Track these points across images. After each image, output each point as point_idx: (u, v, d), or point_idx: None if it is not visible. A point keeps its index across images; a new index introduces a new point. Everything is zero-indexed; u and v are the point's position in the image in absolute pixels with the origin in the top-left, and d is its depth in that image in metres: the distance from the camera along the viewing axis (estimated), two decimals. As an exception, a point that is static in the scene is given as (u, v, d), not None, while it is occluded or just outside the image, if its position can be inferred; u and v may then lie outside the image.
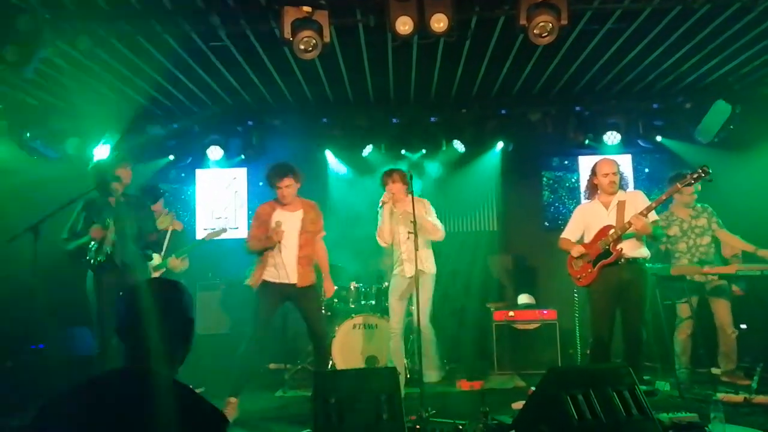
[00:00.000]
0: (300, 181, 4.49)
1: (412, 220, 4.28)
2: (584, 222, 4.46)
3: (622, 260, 4.16)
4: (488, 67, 5.54)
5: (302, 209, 4.54)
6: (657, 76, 5.88)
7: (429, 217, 4.75)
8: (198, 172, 7.16)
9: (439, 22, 3.84)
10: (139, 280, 4.32)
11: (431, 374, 4.82)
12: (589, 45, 5.09)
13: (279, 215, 4.45)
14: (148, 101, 6.08)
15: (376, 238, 4.87)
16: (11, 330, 5.09)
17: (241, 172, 7.20)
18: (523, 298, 6.02)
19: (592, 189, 4.45)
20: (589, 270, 4.27)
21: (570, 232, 4.55)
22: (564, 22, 3.78)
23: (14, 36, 3.75)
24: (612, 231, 4.17)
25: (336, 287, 5.81)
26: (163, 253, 5.27)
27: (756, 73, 5.78)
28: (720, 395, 4.26)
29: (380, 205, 4.77)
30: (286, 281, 4.36)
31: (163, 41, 4.63)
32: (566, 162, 7.09)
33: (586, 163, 7.15)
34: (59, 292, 5.60)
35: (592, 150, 6.92)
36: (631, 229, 4.06)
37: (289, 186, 4.42)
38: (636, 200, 4.26)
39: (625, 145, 6.64)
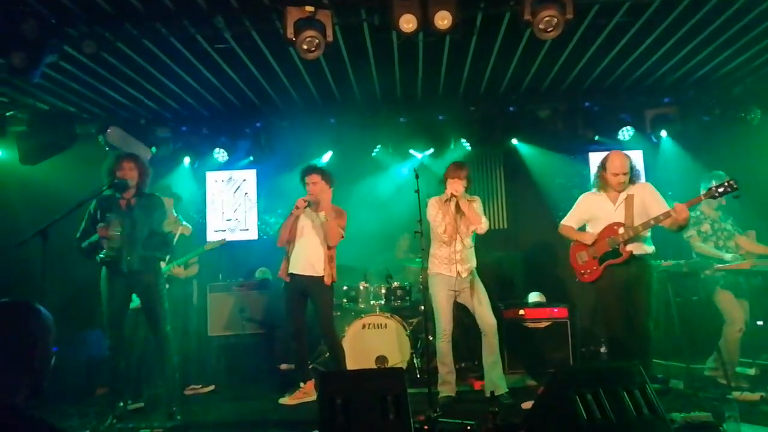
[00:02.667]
0: (330, 184, 4.92)
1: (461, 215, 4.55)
2: (589, 212, 4.40)
3: (630, 258, 4.15)
4: (495, 64, 5.49)
5: (325, 210, 4.82)
6: (667, 70, 5.79)
7: (483, 216, 4.65)
8: (208, 174, 7.20)
9: (443, 20, 3.81)
10: (149, 283, 4.35)
11: (500, 370, 4.57)
12: (598, 40, 5.02)
13: (308, 213, 4.92)
14: (156, 104, 6.12)
15: (436, 233, 4.62)
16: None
17: (251, 174, 7.23)
18: (534, 296, 5.96)
19: (601, 183, 4.37)
20: (595, 267, 4.25)
21: (572, 219, 4.49)
22: (569, 16, 3.73)
23: (21, 41, 3.78)
24: (622, 230, 4.10)
25: (346, 287, 5.86)
26: (167, 258, 5.27)
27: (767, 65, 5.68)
28: (735, 394, 4.18)
29: (449, 197, 4.49)
30: (307, 274, 4.81)
31: (169, 44, 4.66)
32: (576, 159, 7.01)
33: (596, 160, 7.06)
34: (70, 295, 5.69)
35: (602, 146, 6.85)
36: (672, 217, 3.93)
37: (315, 183, 4.85)
38: (644, 194, 4.21)
39: (637, 141, 6.57)
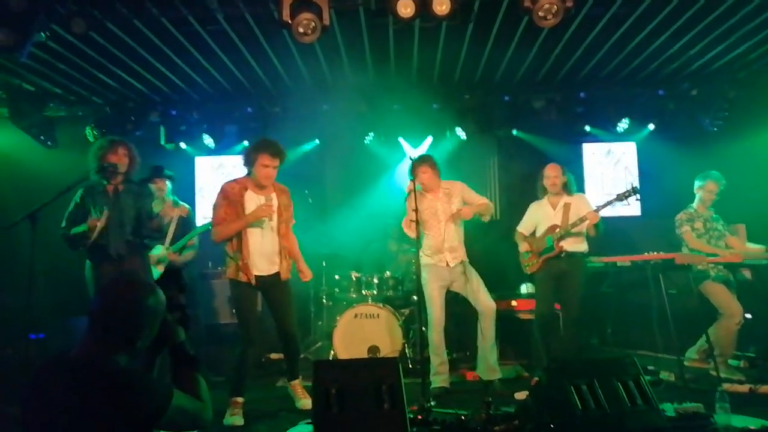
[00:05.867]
0: (282, 164, 4.10)
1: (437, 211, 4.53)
2: (537, 218, 5.04)
3: (563, 254, 4.76)
4: (491, 52, 5.45)
5: (275, 193, 4.13)
6: (663, 62, 5.78)
7: (478, 198, 4.66)
8: (197, 159, 7.09)
9: (441, 5, 3.76)
10: (137, 271, 4.28)
11: (495, 356, 4.59)
12: (594, 30, 4.99)
13: (251, 198, 4.03)
14: (146, 87, 6.01)
15: (403, 229, 4.73)
16: (12, 319, 5.06)
17: (241, 160, 7.12)
18: (525, 288, 5.97)
19: (540, 189, 5.05)
20: (536, 260, 4.92)
21: (524, 227, 5.13)
22: (569, 4, 3.70)
23: (7, 16, 3.67)
24: (558, 230, 4.80)
25: (337, 276, 5.82)
26: (168, 242, 5.19)
27: (762, 59, 5.68)
28: (725, 385, 4.22)
29: (407, 193, 4.59)
30: (264, 273, 4.03)
31: (160, 25, 4.55)
32: (570, 149, 6.99)
33: (590, 151, 7.09)
34: (59, 281, 5.59)
35: (596, 137, 6.86)
36: (587, 222, 4.65)
37: (276, 167, 4.03)
38: (579, 203, 4.89)
39: (630, 133, 6.57)
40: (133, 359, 1.84)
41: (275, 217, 4.08)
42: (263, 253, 4.04)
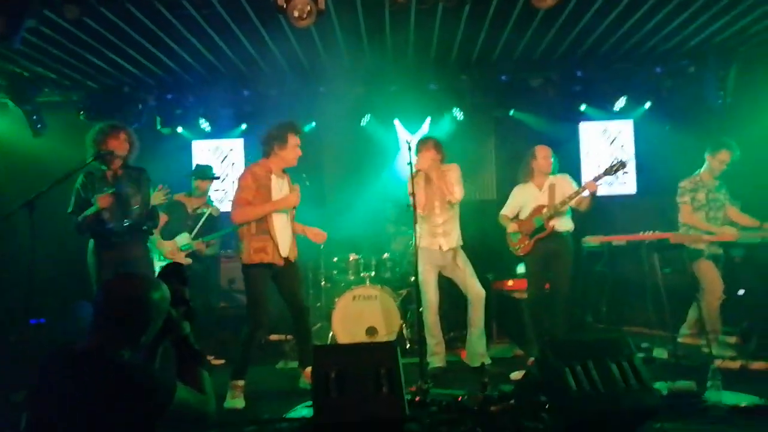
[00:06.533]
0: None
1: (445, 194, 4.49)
2: (522, 200, 5.00)
3: (553, 233, 4.75)
4: (488, 32, 5.40)
5: (287, 178, 4.28)
6: (661, 39, 5.74)
7: (458, 185, 4.65)
8: (194, 143, 7.07)
9: (437, -13, 3.72)
10: (137, 255, 4.32)
11: (484, 341, 4.68)
12: (591, 8, 4.95)
13: (275, 182, 4.10)
14: (141, 71, 5.96)
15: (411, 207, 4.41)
16: (13, 305, 5.11)
17: (238, 143, 7.12)
18: (522, 268, 6.01)
19: (530, 172, 4.97)
20: (527, 242, 4.86)
21: (509, 209, 5.08)
22: (566, -15, 3.66)
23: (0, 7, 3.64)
24: (545, 210, 4.76)
25: (336, 258, 5.87)
26: (193, 234, 5.28)
27: (764, 33, 5.63)
28: (717, 362, 4.29)
29: (415, 170, 4.41)
30: (279, 257, 4.08)
31: (154, 8, 4.51)
32: (567, 128, 6.97)
33: (587, 130, 7.07)
34: (59, 266, 5.63)
35: (592, 117, 6.84)
36: (583, 192, 4.65)
37: (300, 147, 4.12)
38: (563, 182, 4.91)
39: (627, 111, 6.56)
40: (136, 352, 1.88)
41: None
42: (286, 237, 4.14)
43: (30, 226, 3.54)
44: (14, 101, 5.83)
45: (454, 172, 4.69)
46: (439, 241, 4.65)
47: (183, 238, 5.27)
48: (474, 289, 4.63)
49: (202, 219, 5.38)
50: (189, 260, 5.22)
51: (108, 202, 4.14)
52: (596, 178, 4.64)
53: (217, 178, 5.75)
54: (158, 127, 6.56)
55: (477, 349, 4.64)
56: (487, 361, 4.63)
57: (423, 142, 4.69)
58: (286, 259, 4.14)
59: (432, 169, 4.62)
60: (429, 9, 4.68)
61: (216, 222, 5.60)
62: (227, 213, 4.63)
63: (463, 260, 4.73)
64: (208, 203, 5.63)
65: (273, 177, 4.11)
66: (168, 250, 5.20)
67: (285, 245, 4.12)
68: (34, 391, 1.75)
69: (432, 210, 4.66)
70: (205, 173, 5.55)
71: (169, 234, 5.28)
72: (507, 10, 4.91)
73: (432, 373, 4.41)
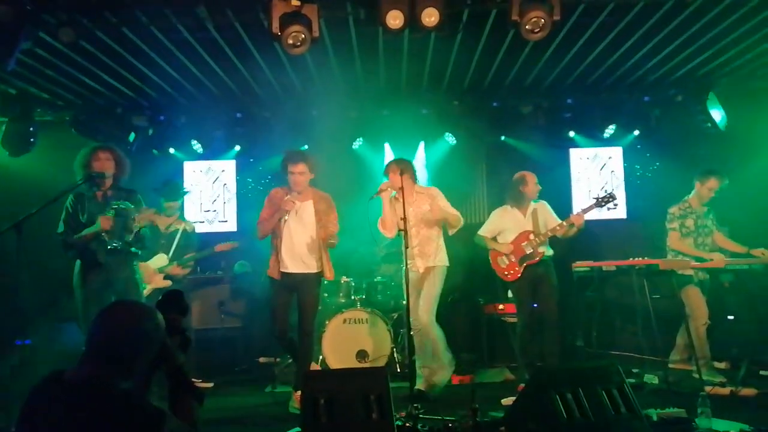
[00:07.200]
0: (314, 172, 4.51)
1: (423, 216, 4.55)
2: (503, 224, 5.04)
3: (540, 259, 4.85)
4: (480, 60, 5.49)
5: (312, 200, 4.54)
6: (649, 69, 5.86)
7: (448, 208, 4.67)
8: (186, 164, 7.07)
9: (430, 17, 3.79)
10: (123, 278, 4.28)
11: (443, 374, 4.65)
12: (582, 38, 5.05)
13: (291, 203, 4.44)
14: (134, 92, 5.99)
15: (379, 229, 4.74)
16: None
17: (230, 165, 7.12)
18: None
19: (521, 197, 4.99)
20: (516, 268, 4.91)
21: (487, 231, 5.11)
22: (556, 17, 3.75)
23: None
24: (533, 236, 4.86)
25: (326, 281, 5.82)
26: (171, 254, 5.20)
27: (746, 67, 5.78)
28: (708, 388, 4.30)
29: (377, 192, 4.55)
30: (293, 271, 4.43)
31: (149, 33, 4.55)
32: (557, 154, 7.05)
33: (577, 155, 7.15)
34: (45, 287, 5.56)
35: (581, 143, 6.92)
36: (573, 226, 4.75)
37: (302, 173, 4.43)
38: (544, 209, 5.03)
39: (616, 138, 6.65)
40: (129, 382, 1.85)
41: (313, 220, 4.48)
42: (294, 253, 4.45)
43: (17, 248, 3.51)
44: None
45: (440, 199, 4.70)
46: (416, 263, 4.64)
47: (159, 259, 5.18)
48: (416, 314, 4.49)
49: (177, 237, 5.25)
50: (168, 282, 5.15)
51: (109, 224, 4.13)
52: (584, 211, 4.77)
53: (187, 193, 5.68)
54: (149, 147, 6.55)
55: (433, 381, 4.60)
56: (446, 379, 4.64)
57: (388, 165, 4.77)
58: (295, 275, 4.42)
59: (405, 191, 4.50)
60: (422, 38, 4.76)
61: (192, 238, 5.49)
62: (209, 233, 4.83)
63: (430, 281, 4.62)
64: (180, 219, 5.51)
65: (288, 198, 4.44)
66: (144, 274, 4.94)
67: (291, 261, 4.44)
68: (24, 421, 1.72)
69: (408, 231, 4.59)
70: (174, 193, 5.43)
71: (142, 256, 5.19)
72: (498, 39, 5.01)
73: (418, 395, 4.35)
